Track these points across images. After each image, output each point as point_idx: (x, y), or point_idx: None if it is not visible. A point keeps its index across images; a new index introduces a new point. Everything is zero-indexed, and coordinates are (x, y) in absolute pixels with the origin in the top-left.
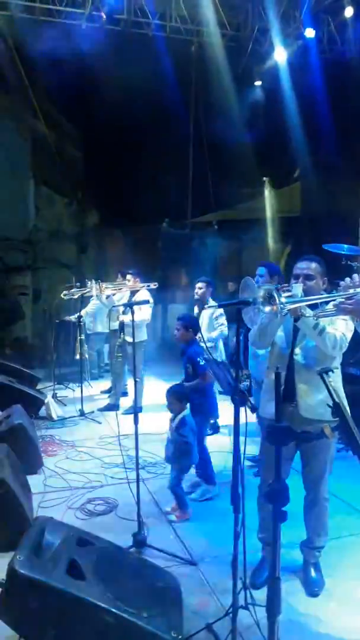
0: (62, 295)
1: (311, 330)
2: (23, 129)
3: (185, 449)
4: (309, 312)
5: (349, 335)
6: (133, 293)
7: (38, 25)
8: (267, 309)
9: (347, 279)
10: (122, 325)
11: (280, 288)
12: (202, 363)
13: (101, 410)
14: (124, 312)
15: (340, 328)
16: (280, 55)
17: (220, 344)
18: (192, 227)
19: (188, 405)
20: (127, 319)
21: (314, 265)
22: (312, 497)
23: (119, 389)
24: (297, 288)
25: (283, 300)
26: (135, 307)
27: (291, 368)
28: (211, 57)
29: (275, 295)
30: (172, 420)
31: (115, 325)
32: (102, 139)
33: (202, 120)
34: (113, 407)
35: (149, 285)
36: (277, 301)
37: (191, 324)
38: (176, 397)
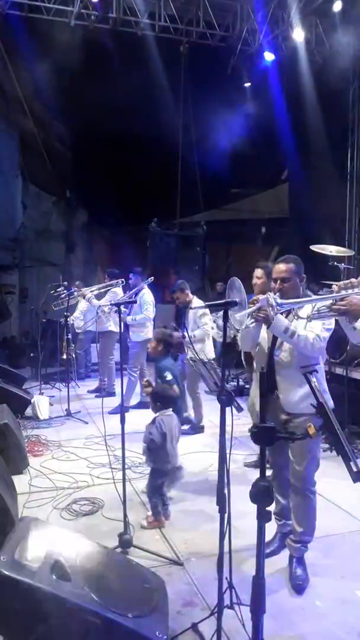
0: (53, 307)
1: (282, 334)
2: (11, 127)
3: (152, 447)
4: (304, 313)
5: (325, 334)
6: (136, 293)
7: (27, 22)
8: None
9: (341, 282)
10: (126, 325)
11: (250, 302)
12: (168, 378)
13: (91, 391)
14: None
15: (316, 329)
16: (269, 57)
17: (210, 343)
18: (181, 227)
19: (170, 412)
20: (129, 318)
21: (289, 266)
22: (296, 486)
23: (110, 381)
24: (263, 300)
25: (278, 301)
26: (136, 305)
27: (272, 367)
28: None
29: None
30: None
31: (105, 327)
32: (91, 138)
33: (191, 119)
34: (108, 392)
35: (148, 282)
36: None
37: (162, 338)
38: (152, 396)
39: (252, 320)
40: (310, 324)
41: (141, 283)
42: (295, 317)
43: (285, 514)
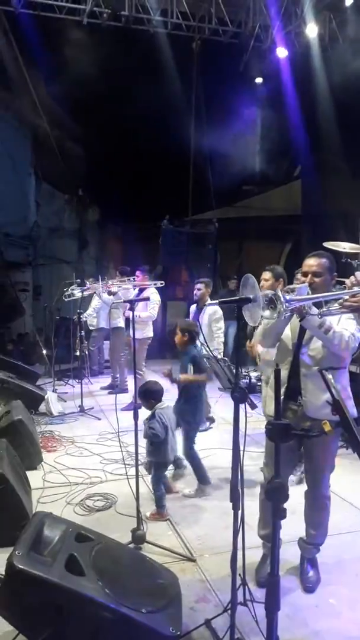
0: (64, 298)
1: (316, 329)
2: (24, 126)
3: (155, 441)
4: (314, 311)
5: (359, 335)
6: (141, 291)
7: (39, 21)
8: (267, 313)
9: (352, 277)
10: (128, 321)
11: (284, 290)
12: (201, 365)
13: (104, 388)
14: (130, 309)
15: (350, 327)
16: (281, 53)
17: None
18: (192, 224)
19: (167, 403)
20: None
21: (322, 261)
22: (312, 494)
23: (122, 377)
24: (302, 289)
25: (287, 297)
26: (141, 304)
27: (296, 367)
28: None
29: (278, 298)
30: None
31: (116, 322)
32: (104, 136)
33: (203, 116)
34: (121, 389)
35: (155, 283)
36: (279, 305)
37: (188, 329)
38: (142, 396)
39: (338, 307)
40: (343, 323)
41: (147, 281)
42: (307, 323)
43: None
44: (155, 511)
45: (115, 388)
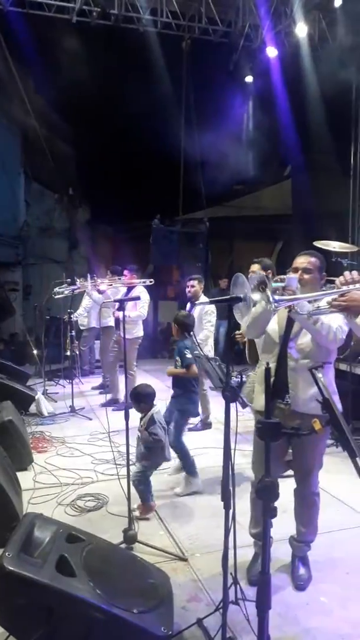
0: (53, 295)
1: (305, 321)
2: (14, 125)
3: (156, 446)
4: (305, 309)
5: (346, 328)
6: (130, 289)
7: (29, 19)
8: (257, 295)
9: (341, 277)
10: (117, 320)
11: (275, 279)
12: (188, 356)
13: (104, 405)
14: (119, 309)
15: (337, 321)
16: (271, 52)
17: (211, 341)
18: (183, 223)
19: (157, 403)
20: (121, 314)
21: (313, 259)
22: (302, 491)
23: (116, 383)
24: (292, 280)
25: (277, 297)
26: (130, 303)
27: (283, 361)
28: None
29: (264, 286)
30: (141, 419)
31: (106, 322)
32: (94, 135)
33: (193, 116)
34: (115, 401)
35: (144, 282)
36: (272, 297)
37: (180, 322)
38: (134, 399)
39: (327, 306)
40: (329, 317)
41: (135, 280)
42: (296, 314)
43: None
44: (142, 507)
45: (106, 388)
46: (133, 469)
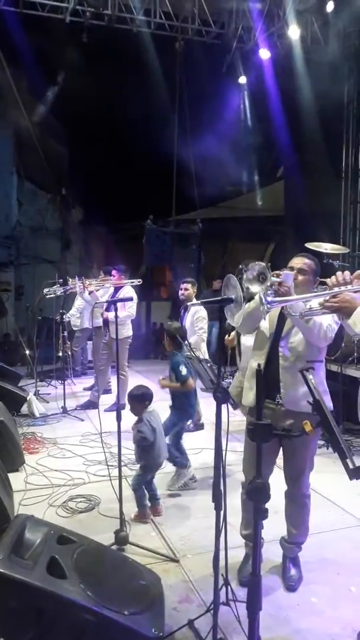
0: (43, 295)
1: (297, 318)
2: (6, 124)
3: (143, 445)
4: (297, 310)
5: (335, 327)
6: (117, 290)
7: (22, 19)
8: (256, 287)
9: (333, 277)
10: (106, 322)
11: (272, 273)
12: (183, 373)
13: (81, 407)
14: (107, 309)
15: (327, 319)
16: (264, 54)
17: (203, 346)
18: (176, 224)
19: (153, 407)
20: (111, 315)
21: (309, 262)
22: (292, 493)
23: (101, 386)
24: (288, 276)
25: (270, 299)
26: (119, 304)
27: (274, 359)
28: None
29: (264, 279)
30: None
31: (98, 322)
32: (87, 135)
33: (187, 117)
34: (93, 405)
35: (132, 282)
36: (267, 280)
37: (173, 335)
38: (132, 400)
39: (319, 307)
40: (320, 316)
41: (124, 280)
42: (289, 316)
43: None
44: (137, 512)
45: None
46: (126, 471)
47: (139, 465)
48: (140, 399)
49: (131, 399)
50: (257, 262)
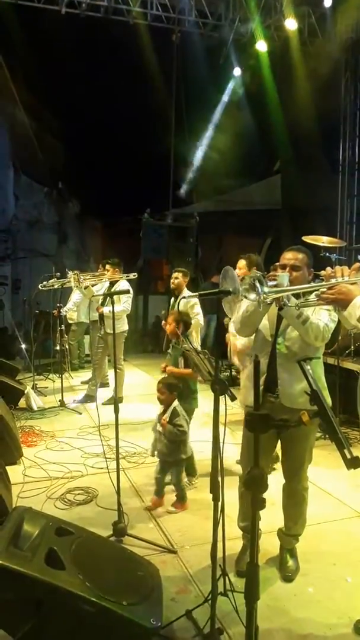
0: (40, 287)
1: (294, 319)
2: (2, 118)
3: (181, 440)
4: (293, 302)
5: (332, 325)
6: (112, 284)
7: (17, 10)
8: (253, 296)
9: (328, 269)
10: (101, 316)
11: (267, 276)
12: None
13: (78, 401)
14: (103, 303)
15: (324, 318)
16: (261, 46)
17: (198, 335)
18: (173, 218)
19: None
20: (106, 310)
21: (301, 256)
22: (291, 486)
23: (98, 380)
24: (284, 277)
25: (266, 289)
26: (115, 297)
27: (273, 356)
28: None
29: (259, 284)
30: (161, 413)
31: (95, 316)
32: (83, 128)
33: (183, 109)
34: (90, 398)
35: (128, 276)
36: (261, 289)
37: (183, 320)
38: (167, 388)
39: (315, 299)
40: (317, 313)
41: (118, 274)
42: (285, 313)
43: None
44: (179, 503)
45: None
46: (124, 463)
47: (171, 460)
48: (173, 388)
49: (168, 388)
50: (251, 273)
